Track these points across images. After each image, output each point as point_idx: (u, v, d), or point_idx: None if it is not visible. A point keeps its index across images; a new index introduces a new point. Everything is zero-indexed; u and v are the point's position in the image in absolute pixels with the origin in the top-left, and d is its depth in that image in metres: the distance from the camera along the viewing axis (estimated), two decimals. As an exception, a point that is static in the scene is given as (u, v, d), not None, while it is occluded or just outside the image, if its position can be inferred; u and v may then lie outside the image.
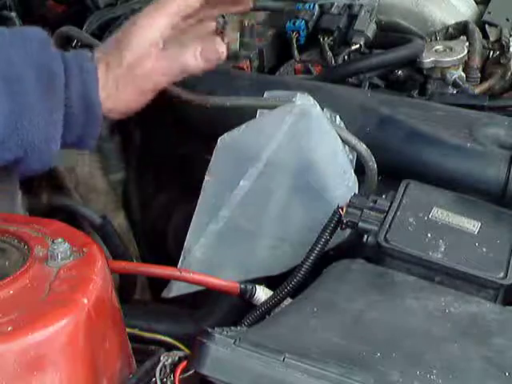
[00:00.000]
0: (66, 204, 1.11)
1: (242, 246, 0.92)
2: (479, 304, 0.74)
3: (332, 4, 1.26)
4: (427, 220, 0.81)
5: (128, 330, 0.74)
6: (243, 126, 0.91)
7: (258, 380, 0.60)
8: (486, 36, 1.27)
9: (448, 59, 1.18)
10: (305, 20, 1.23)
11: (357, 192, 0.89)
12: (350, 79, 1.18)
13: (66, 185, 1.16)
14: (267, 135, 0.89)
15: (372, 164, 0.92)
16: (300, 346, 0.63)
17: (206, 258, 0.92)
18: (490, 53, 1.25)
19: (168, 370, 0.68)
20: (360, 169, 0.92)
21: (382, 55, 1.19)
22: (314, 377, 0.59)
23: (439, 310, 0.71)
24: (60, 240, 0.69)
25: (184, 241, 0.94)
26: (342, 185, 0.90)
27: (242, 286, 0.85)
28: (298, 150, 0.89)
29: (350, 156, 0.93)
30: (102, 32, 1.25)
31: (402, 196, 0.84)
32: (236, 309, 0.94)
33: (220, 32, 1.08)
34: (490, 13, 1.32)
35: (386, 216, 0.81)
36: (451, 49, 1.20)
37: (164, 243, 1.21)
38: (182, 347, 0.78)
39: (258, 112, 0.93)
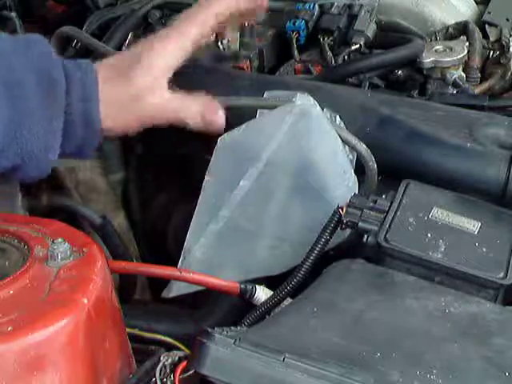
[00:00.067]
0: (66, 204, 1.11)
1: (241, 246, 0.92)
2: (479, 304, 0.74)
3: (332, 4, 1.26)
4: (427, 220, 0.81)
5: (128, 330, 0.74)
6: (243, 126, 0.91)
7: (258, 380, 0.60)
8: (486, 36, 1.26)
9: (448, 59, 1.18)
10: (305, 20, 1.23)
11: (357, 192, 0.89)
12: (349, 79, 1.18)
13: (66, 185, 1.16)
14: (267, 135, 0.89)
15: (372, 164, 0.92)
16: (300, 346, 0.63)
17: (206, 258, 0.92)
18: (489, 53, 1.25)
19: (168, 370, 0.68)
20: (360, 169, 0.92)
21: (382, 55, 1.19)
22: (314, 377, 0.59)
23: (439, 310, 0.71)
24: (60, 240, 0.69)
25: (184, 241, 0.94)
26: (342, 185, 0.90)
27: (242, 285, 0.85)
28: (298, 150, 0.89)
29: (350, 156, 0.93)
30: (102, 32, 1.25)
31: (402, 196, 0.84)
32: (236, 309, 0.94)
33: (220, 32, 1.09)
34: (490, 13, 1.31)
35: (385, 216, 0.81)
36: (451, 49, 1.20)
37: (164, 243, 1.21)
38: (182, 347, 0.78)
39: (258, 112, 0.93)
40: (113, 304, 0.70)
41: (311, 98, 0.90)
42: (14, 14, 1.26)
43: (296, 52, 1.23)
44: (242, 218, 0.91)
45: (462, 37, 1.23)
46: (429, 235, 0.79)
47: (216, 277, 0.86)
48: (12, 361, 0.60)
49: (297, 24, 1.23)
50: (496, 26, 1.28)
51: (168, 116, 0.90)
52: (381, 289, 0.74)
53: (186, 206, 0.94)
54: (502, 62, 1.23)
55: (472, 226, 0.81)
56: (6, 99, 0.78)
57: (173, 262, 0.93)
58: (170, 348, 0.76)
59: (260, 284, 0.87)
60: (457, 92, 1.17)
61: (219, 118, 0.90)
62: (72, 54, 1.18)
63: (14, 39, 0.84)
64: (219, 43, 1.16)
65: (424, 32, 1.28)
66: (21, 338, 0.61)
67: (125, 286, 1.05)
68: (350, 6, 1.25)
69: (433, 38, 1.26)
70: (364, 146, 0.91)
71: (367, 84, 1.18)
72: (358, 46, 1.21)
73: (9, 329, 0.61)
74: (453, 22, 1.28)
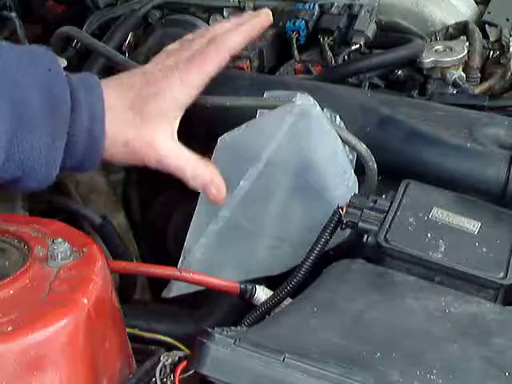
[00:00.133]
0: (66, 204, 1.11)
1: (241, 246, 0.92)
2: (479, 304, 0.74)
3: (332, 4, 1.26)
4: (427, 220, 0.81)
5: (128, 330, 0.74)
6: (243, 126, 0.91)
7: (258, 380, 0.60)
8: (486, 36, 1.26)
9: (448, 59, 1.18)
10: (305, 20, 1.23)
11: (357, 192, 0.89)
12: (349, 79, 1.18)
13: (66, 185, 1.16)
14: (267, 135, 0.89)
15: (372, 164, 0.92)
16: (300, 346, 0.63)
17: (206, 258, 0.92)
18: (489, 53, 1.25)
19: (168, 370, 0.68)
20: (360, 169, 0.92)
21: (382, 55, 1.18)
22: (314, 377, 0.59)
23: (439, 310, 0.71)
24: (60, 240, 0.69)
25: (184, 241, 0.94)
26: (342, 185, 0.90)
27: (242, 285, 0.85)
28: (298, 150, 0.89)
29: (350, 156, 0.93)
30: (102, 32, 1.25)
31: (402, 196, 0.84)
32: (236, 309, 0.94)
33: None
34: (490, 13, 1.31)
35: (386, 216, 0.81)
36: (451, 49, 1.19)
37: (164, 243, 1.21)
38: (182, 347, 0.78)
39: (258, 112, 0.93)
40: (113, 304, 0.70)
41: (311, 98, 0.90)
42: (14, 14, 1.26)
43: (296, 52, 1.23)
44: (242, 217, 0.91)
45: (462, 37, 1.23)
46: (429, 235, 0.79)
47: (216, 277, 0.86)
48: (12, 361, 0.60)
49: (297, 24, 1.22)
50: (496, 25, 1.28)
51: (168, 169, 0.89)
52: (381, 289, 0.74)
53: (185, 206, 0.94)
54: (502, 62, 1.23)
55: (472, 226, 0.81)
56: (9, 115, 0.77)
57: (173, 262, 0.93)
58: (170, 348, 0.76)
59: (260, 284, 0.87)
60: (457, 92, 1.17)
61: (221, 194, 0.89)
62: (72, 54, 1.18)
63: (18, 53, 0.82)
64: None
65: (424, 32, 1.28)
66: (21, 338, 0.61)
67: (125, 285, 1.05)
68: (350, 6, 1.25)
69: (433, 37, 1.26)
70: (364, 146, 0.91)
71: (367, 84, 1.18)
72: (357, 46, 1.21)
73: (9, 329, 0.61)
74: (453, 22, 1.28)
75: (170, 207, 1.19)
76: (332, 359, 0.61)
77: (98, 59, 1.16)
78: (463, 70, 1.20)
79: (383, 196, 0.85)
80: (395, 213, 0.81)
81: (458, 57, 1.18)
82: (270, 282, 0.90)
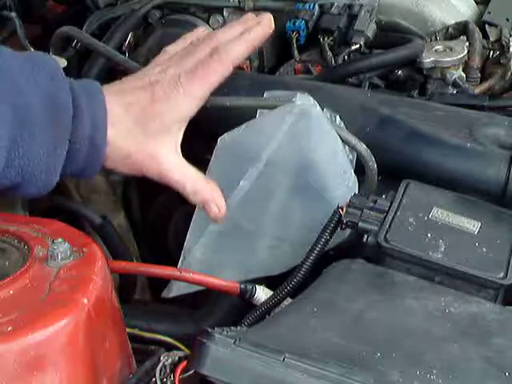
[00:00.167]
0: (66, 204, 1.11)
1: (241, 246, 0.92)
2: (479, 304, 0.74)
3: (332, 4, 1.26)
4: (427, 220, 0.81)
5: (128, 330, 0.74)
6: (243, 126, 0.91)
7: (258, 380, 0.60)
8: (486, 36, 1.27)
9: (448, 59, 1.18)
10: (305, 20, 1.23)
11: (357, 192, 0.89)
12: (349, 79, 1.18)
13: (66, 185, 1.16)
14: (267, 135, 0.89)
15: (372, 164, 0.92)
16: (300, 346, 0.63)
17: (206, 258, 0.92)
18: (489, 53, 1.25)
19: (168, 370, 0.68)
20: (360, 169, 0.92)
21: (382, 55, 1.19)
22: (314, 377, 0.59)
23: (439, 310, 0.71)
24: (60, 240, 0.69)
25: (184, 241, 0.94)
26: (342, 185, 0.90)
27: (242, 285, 0.85)
28: (298, 150, 0.89)
29: (350, 156, 0.93)
30: (102, 32, 1.25)
31: (402, 196, 0.84)
32: (236, 309, 0.94)
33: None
34: (490, 13, 1.31)
35: (386, 216, 0.81)
36: (451, 49, 1.20)
37: (164, 243, 1.21)
38: (182, 347, 0.78)
39: (258, 112, 0.93)
40: (113, 304, 0.70)
41: (311, 98, 0.90)
42: (14, 14, 1.26)
43: (296, 52, 1.23)
44: (242, 217, 0.91)
45: (462, 37, 1.23)
46: (429, 235, 0.79)
47: (216, 277, 0.86)
48: (12, 361, 0.60)
49: (297, 24, 1.22)
50: (496, 25, 1.28)
51: (169, 182, 0.89)
52: (381, 289, 0.74)
53: (185, 206, 0.94)
54: (502, 62, 1.23)
55: (472, 226, 0.81)
56: (11, 121, 0.76)
57: (173, 262, 0.93)
58: (170, 348, 0.76)
59: (260, 284, 0.87)
60: (457, 92, 1.17)
61: (221, 212, 0.88)
62: (72, 54, 1.18)
63: (21, 59, 0.81)
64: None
65: (424, 32, 1.28)
66: (21, 338, 0.61)
67: (125, 285, 1.05)
68: (350, 6, 1.25)
69: (433, 37, 1.26)
70: (364, 146, 0.91)
71: (367, 84, 1.18)
72: (357, 46, 1.21)
73: (9, 329, 0.61)
74: (453, 22, 1.28)
75: (170, 207, 1.19)
76: (332, 359, 0.61)
77: (98, 59, 1.16)
78: (463, 70, 1.20)
79: (383, 196, 0.85)
80: (395, 213, 0.81)
81: (458, 57, 1.18)
82: (269, 281, 0.90)
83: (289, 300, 0.81)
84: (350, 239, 0.88)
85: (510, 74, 1.22)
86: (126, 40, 1.24)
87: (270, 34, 0.94)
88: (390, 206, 0.82)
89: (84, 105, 0.82)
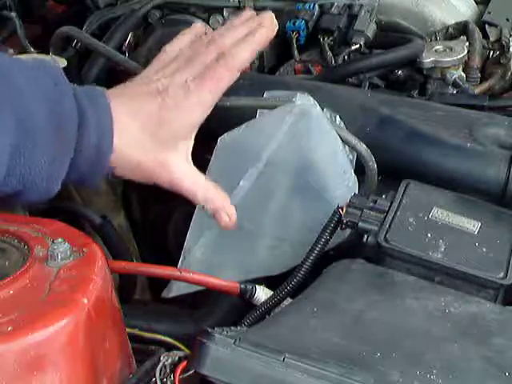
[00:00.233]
0: (66, 204, 1.11)
1: (241, 246, 0.92)
2: (479, 304, 0.74)
3: (332, 4, 1.26)
4: (427, 220, 0.81)
5: (128, 330, 0.74)
6: (243, 126, 0.91)
7: (258, 380, 0.60)
8: (486, 36, 1.27)
9: (448, 59, 1.18)
10: (305, 20, 1.23)
11: (357, 192, 0.89)
12: (349, 79, 1.18)
13: (67, 185, 1.16)
14: (267, 135, 0.89)
15: (372, 164, 0.92)
16: (300, 346, 0.63)
17: (206, 258, 0.92)
18: (489, 53, 1.25)
19: (168, 370, 0.68)
20: (360, 169, 0.92)
21: (382, 55, 1.19)
22: (314, 377, 0.59)
23: (439, 310, 0.71)
24: (60, 240, 0.69)
25: (184, 241, 0.94)
26: (342, 185, 0.90)
27: (242, 285, 0.85)
28: (298, 150, 0.89)
29: (350, 156, 0.93)
30: (102, 32, 1.25)
31: (402, 196, 0.84)
32: (236, 309, 0.94)
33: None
34: (490, 13, 1.32)
35: (386, 216, 0.81)
36: (451, 49, 1.20)
37: (164, 243, 1.21)
38: (182, 347, 0.78)
39: (258, 112, 0.93)
40: (113, 304, 0.70)
41: (311, 98, 0.90)
42: (14, 14, 1.26)
43: (296, 52, 1.23)
44: (242, 217, 0.91)
45: (462, 37, 1.24)
46: (429, 235, 0.79)
47: (216, 277, 0.86)
48: (12, 361, 0.60)
49: (297, 24, 1.23)
50: (496, 25, 1.28)
51: (180, 190, 0.89)
52: (381, 289, 0.74)
53: (185, 206, 0.94)
54: (502, 62, 1.23)
55: (472, 226, 0.81)
56: (14, 130, 0.75)
57: (173, 262, 0.93)
58: (170, 348, 0.76)
59: (260, 284, 0.87)
60: (457, 92, 1.17)
61: (232, 221, 0.89)
62: (72, 54, 1.18)
63: (25, 67, 0.80)
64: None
65: (424, 32, 1.29)
66: (21, 338, 0.61)
67: (125, 285, 1.05)
68: (350, 6, 1.25)
69: (433, 38, 1.26)
70: (364, 146, 0.91)
71: (367, 84, 1.18)
72: (357, 46, 1.21)
73: (9, 329, 0.61)
74: (453, 22, 1.28)
75: (170, 207, 1.19)
76: (332, 359, 0.61)
77: (98, 59, 1.16)
78: (463, 70, 1.20)
79: (383, 196, 0.85)
80: (395, 213, 0.81)
81: (458, 57, 1.18)
82: (269, 281, 0.90)
83: (289, 300, 0.81)
84: (349, 239, 0.88)
85: (510, 73, 1.23)
86: (126, 40, 1.24)
87: (273, 35, 0.93)
88: (390, 206, 0.82)
89: (89, 113, 0.81)
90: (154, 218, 1.24)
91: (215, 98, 0.88)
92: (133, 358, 0.73)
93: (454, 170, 0.93)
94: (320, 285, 0.76)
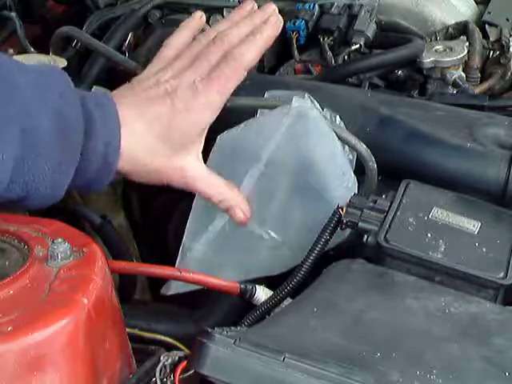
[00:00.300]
0: (66, 204, 1.11)
1: (242, 245, 0.92)
2: (479, 304, 0.74)
3: (332, 4, 1.26)
4: (427, 220, 0.81)
5: (128, 329, 0.74)
6: (242, 124, 0.91)
7: (258, 380, 0.60)
8: (486, 36, 1.27)
9: (448, 59, 1.18)
10: (305, 20, 1.23)
11: (357, 192, 0.89)
12: (349, 79, 1.18)
13: (67, 185, 1.16)
14: (265, 136, 0.89)
15: (372, 164, 0.92)
16: (300, 346, 0.63)
17: (206, 257, 0.92)
18: (489, 53, 1.25)
19: (168, 370, 0.68)
20: (360, 169, 0.92)
21: (381, 55, 1.19)
22: (314, 377, 0.59)
23: (439, 309, 0.71)
24: (60, 240, 0.69)
25: (184, 241, 0.94)
26: (341, 186, 0.90)
27: (242, 285, 0.85)
28: (297, 152, 0.89)
29: (350, 156, 0.93)
30: (102, 32, 1.25)
31: (402, 196, 0.84)
32: (236, 309, 0.94)
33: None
34: (490, 13, 1.32)
35: (386, 216, 0.81)
36: (451, 49, 1.20)
37: (164, 243, 1.21)
38: (182, 347, 0.78)
39: (259, 112, 0.93)
40: (113, 304, 0.70)
41: (308, 101, 0.90)
42: (13, 14, 1.26)
43: (296, 52, 1.23)
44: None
45: (462, 37, 1.24)
46: (429, 235, 0.79)
47: (216, 277, 0.86)
48: (12, 361, 0.60)
49: (297, 24, 1.23)
50: (496, 25, 1.28)
51: (194, 191, 0.90)
52: (381, 289, 0.74)
53: (186, 205, 0.94)
54: (501, 62, 1.23)
55: (472, 226, 0.81)
56: (19, 140, 0.75)
57: (173, 262, 0.93)
58: (169, 348, 0.76)
59: (260, 284, 0.87)
60: (457, 92, 1.17)
61: (246, 216, 0.90)
62: (72, 54, 1.18)
63: (31, 77, 0.78)
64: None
65: (424, 32, 1.29)
66: (21, 338, 0.61)
67: (125, 286, 1.05)
68: (350, 6, 1.25)
69: (433, 38, 1.26)
70: (364, 146, 0.91)
71: (367, 84, 1.18)
72: (357, 46, 1.22)
73: (9, 329, 0.61)
74: (453, 22, 1.29)
75: (170, 207, 1.19)
76: (332, 359, 0.61)
77: (98, 59, 1.16)
78: (463, 70, 1.20)
79: (383, 196, 0.85)
80: (395, 213, 0.81)
81: (458, 57, 1.18)
82: (269, 281, 0.90)
83: (289, 300, 0.81)
84: (349, 239, 0.88)
85: (510, 73, 1.23)
86: (126, 40, 1.24)
87: (278, 32, 0.93)
88: (390, 206, 0.82)
89: (97, 121, 0.81)
90: (154, 218, 1.24)
91: (224, 99, 0.88)
92: (133, 358, 0.73)
93: (454, 170, 0.93)
94: (320, 285, 0.76)
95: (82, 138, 0.79)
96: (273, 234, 0.91)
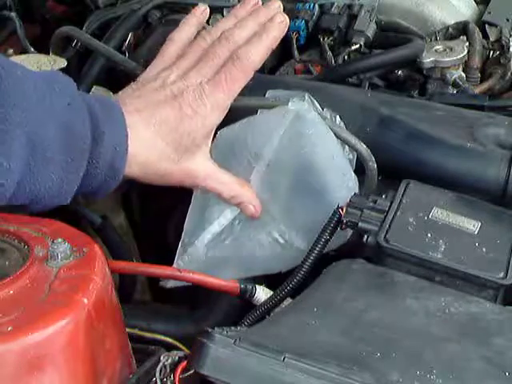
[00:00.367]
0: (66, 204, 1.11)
1: (242, 244, 0.92)
2: (479, 304, 0.74)
3: (332, 4, 1.26)
4: (427, 220, 0.81)
5: (128, 329, 0.74)
6: (243, 120, 0.91)
7: (258, 380, 0.60)
8: (485, 36, 1.27)
9: (448, 59, 1.18)
10: (305, 20, 1.23)
11: (357, 192, 0.89)
12: (349, 79, 1.18)
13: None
14: (265, 135, 0.89)
15: (372, 164, 0.92)
16: (300, 346, 0.63)
17: (207, 255, 0.92)
18: (490, 53, 1.25)
19: (168, 370, 0.68)
20: (360, 169, 0.92)
21: (381, 55, 1.19)
22: (314, 377, 0.59)
23: (439, 309, 0.71)
24: (60, 240, 0.69)
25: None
26: (342, 187, 0.90)
27: (242, 286, 0.85)
28: (296, 154, 0.89)
29: (350, 156, 0.93)
30: (102, 32, 1.25)
31: (402, 196, 0.84)
32: (236, 309, 0.94)
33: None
34: (490, 13, 1.32)
35: (386, 216, 0.81)
36: (451, 49, 1.20)
37: (164, 243, 1.21)
38: (182, 347, 0.78)
39: (259, 112, 0.93)
40: (113, 304, 0.70)
41: (305, 103, 0.90)
42: (13, 14, 1.26)
43: (296, 52, 1.23)
44: (243, 217, 0.92)
45: (462, 37, 1.24)
46: (429, 235, 0.79)
47: (216, 277, 0.86)
48: (12, 361, 0.60)
49: (297, 24, 1.23)
50: (496, 26, 1.28)
51: (204, 189, 0.90)
52: (381, 289, 0.74)
53: (186, 205, 0.94)
54: (501, 62, 1.23)
55: (472, 226, 0.81)
56: (24, 149, 0.74)
57: (173, 261, 0.93)
58: (169, 348, 0.76)
59: (260, 284, 0.87)
60: (457, 92, 1.17)
61: (257, 211, 0.90)
62: (72, 54, 1.18)
63: (38, 83, 0.78)
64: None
65: (424, 32, 1.29)
66: (21, 338, 0.61)
67: (125, 285, 1.05)
68: (349, 6, 1.25)
69: (433, 38, 1.26)
70: (364, 146, 0.91)
71: (367, 84, 1.18)
72: (357, 46, 1.21)
73: (9, 329, 0.61)
74: (453, 22, 1.28)
75: (171, 207, 1.19)
76: (332, 359, 0.61)
77: (98, 59, 1.16)
78: (463, 70, 1.20)
79: (383, 196, 0.85)
80: (395, 213, 0.81)
81: (458, 57, 1.18)
82: (269, 281, 0.90)
83: (289, 300, 0.81)
84: (350, 239, 0.88)
85: (510, 73, 1.23)
86: (126, 40, 1.24)
87: (285, 31, 0.92)
88: (390, 206, 0.82)
89: (104, 128, 0.80)
90: (154, 217, 1.24)
91: (231, 100, 0.88)
92: (133, 358, 0.73)
93: (454, 170, 0.93)
94: (320, 285, 0.76)
95: (89, 145, 0.79)
96: (274, 233, 0.91)
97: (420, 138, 0.95)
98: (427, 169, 0.93)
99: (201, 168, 0.88)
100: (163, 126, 0.85)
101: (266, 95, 0.96)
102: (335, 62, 1.20)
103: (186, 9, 1.27)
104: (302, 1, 1.26)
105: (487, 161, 0.92)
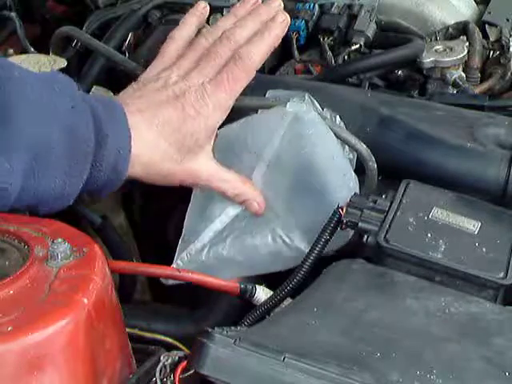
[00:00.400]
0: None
1: (243, 244, 0.92)
2: (479, 304, 0.74)
3: (332, 4, 1.26)
4: (427, 220, 0.81)
5: (128, 329, 0.74)
6: (242, 120, 0.91)
7: (257, 380, 0.60)
8: (485, 36, 1.27)
9: (448, 59, 1.18)
10: (305, 20, 1.23)
11: (357, 192, 0.89)
12: (349, 79, 1.18)
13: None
14: (265, 135, 0.89)
15: (372, 164, 0.92)
16: (300, 346, 0.63)
17: (207, 257, 0.92)
18: (490, 53, 1.25)
19: (168, 370, 0.68)
20: (360, 169, 0.92)
21: (381, 55, 1.19)
22: (314, 377, 0.59)
23: (439, 309, 0.71)
24: (60, 240, 0.69)
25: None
26: (343, 187, 0.90)
27: (242, 286, 0.85)
28: (296, 155, 0.89)
29: (350, 156, 0.93)
30: (102, 32, 1.25)
31: (402, 196, 0.84)
32: (236, 309, 0.94)
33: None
34: (490, 13, 1.32)
35: (386, 216, 0.81)
36: (451, 49, 1.20)
37: (164, 243, 1.21)
38: (182, 347, 0.78)
39: (259, 112, 0.93)
40: (113, 304, 0.70)
41: (304, 105, 0.89)
42: (13, 14, 1.26)
43: (296, 52, 1.23)
44: (244, 216, 0.92)
45: (461, 37, 1.24)
46: (429, 235, 0.79)
47: (216, 277, 0.86)
48: (12, 361, 0.60)
49: (297, 24, 1.23)
50: (496, 26, 1.28)
51: (208, 188, 0.90)
52: (381, 289, 0.74)
53: (186, 205, 0.94)
54: (501, 62, 1.23)
55: (472, 226, 0.81)
56: (28, 153, 0.74)
57: (173, 261, 0.93)
58: (169, 348, 0.76)
59: (260, 284, 0.87)
60: (457, 92, 1.17)
61: (261, 208, 0.91)
62: (72, 54, 1.18)
63: (42, 87, 0.78)
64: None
65: (424, 32, 1.29)
66: (21, 338, 0.60)
67: (125, 285, 1.05)
68: (349, 6, 1.25)
69: (433, 38, 1.26)
70: (364, 146, 0.91)
71: (367, 84, 1.18)
72: (358, 46, 1.21)
73: (9, 329, 0.61)
74: (453, 22, 1.28)
75: (171, 207, 1.19)
76: (332, 359, 0.61)
77: (98, 59, 1.16)
78: (463, 70, 1.20)
79: (383, 196, 0.85)
80: (395, 213, 0.81)
81: (458, 57, 1.18)
82: (270, 281, 0.90)
83: (289, 300, 0.81)
84: (350, 239, 0.88)
85: (510, 73, 1.22)
86: (126, 40, 1.24)
87: (285, 30, 0.92)
88: (390, 206, 0.82)
89: (107, 130, 0.80)
90: (154, 217, 1.24)
91: (233, 100, 0.88)
92: (133, 358, 0.73)
93: (454, 170, 0.93)
94: (320, 285, 0.76)
95: (92, 148, 0.79)
96: (278, 230, 0.91)
97: (420, 138, 0.95)
98: (427, 169, 0.93)
99: (204, 168, 0.88)
100: (166, 127, 0.85)
101: (266, 95, 0.96)
102: (335, 62, 1.20)
103: (185, 9, 1.26)
104: (302, 1, 1.26)
105: (487, 161, 0.92)
